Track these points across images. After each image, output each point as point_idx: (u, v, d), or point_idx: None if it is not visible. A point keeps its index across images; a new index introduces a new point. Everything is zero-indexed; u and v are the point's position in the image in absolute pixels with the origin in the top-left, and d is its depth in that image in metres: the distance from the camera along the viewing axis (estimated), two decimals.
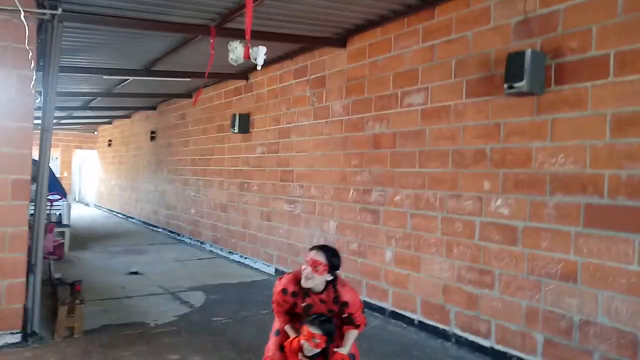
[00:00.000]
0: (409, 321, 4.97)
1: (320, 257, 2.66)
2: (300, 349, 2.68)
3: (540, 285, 3.85)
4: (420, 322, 4.86)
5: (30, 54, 4.13)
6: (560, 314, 3.71)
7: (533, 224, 3.92)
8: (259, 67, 2.84)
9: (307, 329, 2.62)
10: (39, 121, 4.62)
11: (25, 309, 4.25)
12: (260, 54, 2.87)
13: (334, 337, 2.73)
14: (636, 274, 3.31)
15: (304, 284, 2.62)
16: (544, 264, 3.84)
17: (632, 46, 3.38)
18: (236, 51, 2.93)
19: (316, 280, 2.66)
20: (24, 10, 3.96)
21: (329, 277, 2.74)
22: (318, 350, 2.63)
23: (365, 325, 3.01)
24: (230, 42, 2.88)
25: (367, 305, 5.47)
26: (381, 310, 5.32)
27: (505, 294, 4.10)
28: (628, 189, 3.38)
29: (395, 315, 5.15)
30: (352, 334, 2.88)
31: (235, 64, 3.00)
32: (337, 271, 2.77)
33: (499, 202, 4.18)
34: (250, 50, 2.88)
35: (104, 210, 16.92)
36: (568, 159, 3.73)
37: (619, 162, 3.43)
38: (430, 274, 4.77)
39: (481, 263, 4.29)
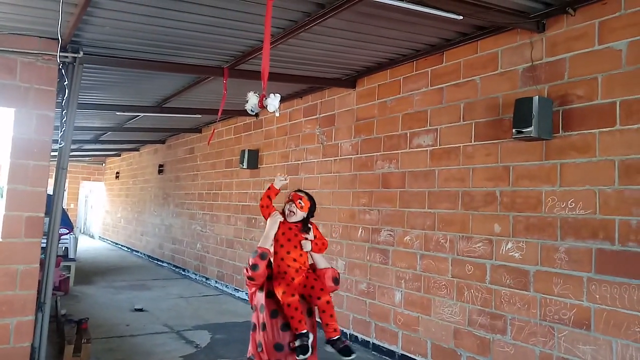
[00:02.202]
0: None
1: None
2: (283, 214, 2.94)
3: (553, 331, 3.81)
4: None
5: (52, 95, 4.26)
6: None
7: (545, 269, 3.91)
8: (277, 114, 2.91)
9: (296, 194, 2.98)
10: (54, 153, 4.71)
11: (32, 348, 4.23)
12: (271, 102, 2.94)
13: (307, 226, 2.96)
14: None
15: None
16: (556, 310, 3.80)
17: (637, 96, 3.46)
18: (250, 101, 3.02)
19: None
20: (48, 54, 4.11)
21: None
22: (297, 216, 2.90)
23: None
24: (248, 93, 2.97)
25: (376, 349, 5.41)
26: (390, 353, 5.23)
27: (517, 339, 4.04)
28: (639, 236, 3.39)
29: (405, 359, 5.06)
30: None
31: (252, 113, 3.08)
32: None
33: (509, 245, 4.18)
34: (263, 100, 2.96)
35: (109, 243, 16.91)
36: (578, 204, 3.76)
37: (629, 209, 3.45)
38: (440, 317, 4.72)
39: (493, 307, 4.26)
